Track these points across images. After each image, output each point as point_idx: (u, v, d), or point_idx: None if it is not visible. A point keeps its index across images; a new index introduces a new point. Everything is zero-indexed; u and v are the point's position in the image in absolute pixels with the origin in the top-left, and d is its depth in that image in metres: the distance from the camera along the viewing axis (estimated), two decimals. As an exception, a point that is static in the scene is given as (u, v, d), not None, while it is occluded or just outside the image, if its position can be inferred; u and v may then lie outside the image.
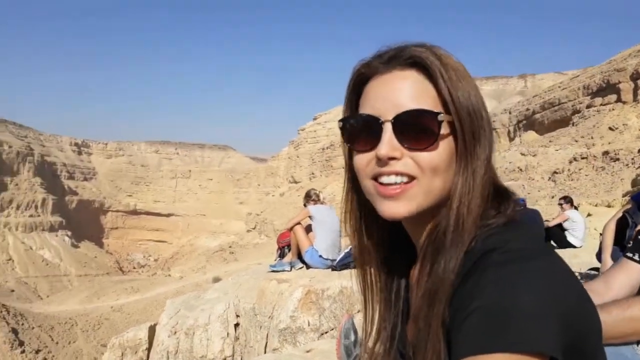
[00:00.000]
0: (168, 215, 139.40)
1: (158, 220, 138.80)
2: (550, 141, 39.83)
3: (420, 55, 0.87)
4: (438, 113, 0.85)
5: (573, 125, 40.58)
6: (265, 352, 5.79)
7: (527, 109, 48.46)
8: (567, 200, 9.84)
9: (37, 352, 54.86)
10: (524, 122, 48.38)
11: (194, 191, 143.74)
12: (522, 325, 0.67)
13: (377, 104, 0.88)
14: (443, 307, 0.78)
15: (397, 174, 0.85)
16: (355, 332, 2.41)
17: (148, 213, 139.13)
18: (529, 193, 29.69)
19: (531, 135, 45.58)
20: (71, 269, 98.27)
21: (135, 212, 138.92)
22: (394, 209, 0.86)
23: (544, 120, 44.82)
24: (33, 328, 58.27)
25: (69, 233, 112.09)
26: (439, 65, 0.86)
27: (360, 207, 1.00)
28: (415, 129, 0.85)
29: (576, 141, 37.22)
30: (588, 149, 34.58)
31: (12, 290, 78.74)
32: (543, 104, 45.70)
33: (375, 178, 0.88)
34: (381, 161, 0.86)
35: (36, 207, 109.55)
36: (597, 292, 2.11)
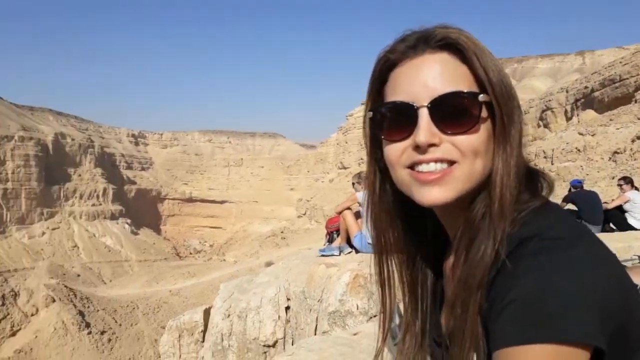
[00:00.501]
0: (222, 202, 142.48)
1: (212, 207, 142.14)
2: (610, 120, 37.93)
3: (452, 36, 0.84)
4: (478, 94, 0.82)
5: (636, 102, 38.45)
6: (315, 335, 5.89)
7: (586, 87, 46.25)
8: (627, 180, 9.41)
9: (102, 333, 57.78)
10: (582, 100, 46.22)
11: (246, 178, 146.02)
12: (561, 316, 0.66)
13: (410, 89, 0.84)
14: (480, 294, 0.77)
15: (437, 161, 0.82)
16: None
17: (203, 200, 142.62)
18: (587, 174, 28.56)
19: (590, 114, 43.53)
20: (131, 255, 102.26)
21: (190, 200, 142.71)
22: (435, 194, 0.83)
23: (604, 98, 42.66)
24: (98, 311, 61.33)
25: (129, 221, 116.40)
26: (473, 47, 0.83)
27: (389, 199, 0.96)
28: (454, 112, 0.81)
29: (639, 119, 35.38)
30: (652, 126, 32.84)
31: (78, 275, 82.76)
32: (603, 81, 43.48)
33: (412, 167, 0.84)
34: (420, 149, 0.82)
35: (98, 196, 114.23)
36: None
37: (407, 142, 0.84)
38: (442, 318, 0.93)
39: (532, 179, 0.88)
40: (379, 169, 0.95)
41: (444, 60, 0.84)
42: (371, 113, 0.90)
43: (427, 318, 1.02)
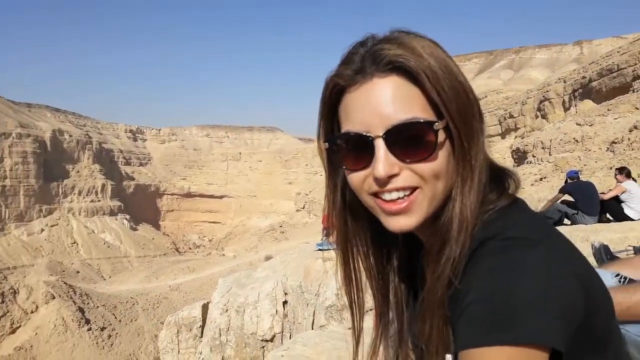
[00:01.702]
0: (221, 197, 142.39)
1: (211, 202, 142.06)
2: (608, 110, 37.85)
3: (399, 59, 0.79)
4: (433, 122, 0.79)
5: (633, 92, 38.34)
6: (312, 329, 5.90)
7: (583, 77, 46.14)
8: (623, 171, 9.41)
9: (102, 329, 58.02)
10: (580, 90, 46.14)
11: (245, 173, 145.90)
12: (517, 317, 0.66)
13: (364, 118, 0.80)
14: (443, 305, 0.78)
15: (399, 189, 0.80)
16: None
17: (202, 195, 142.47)
18: (585, 165, 28.60)
19: (588, 104, 43.44)
20: (131, 251, 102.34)
21: (189, 195, 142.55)
22: (401, 222, 0.82)
23: (602, 87, 42.56)
24: (98, 307, 61.55)
25: (128, 216, 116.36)
26: (422, 66, 0.79)
27: (357, 213, 0.94)
28: (411, 141, 0.79)
29: (637, 108, 35.20)
30: (650, 116, 32.79)
31: (78, 272, 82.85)
32: (600, 71, 43.36)
33: (375, 194, 0.83)
34: (380, 180, 0.80)
35: (96, 192, 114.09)
36: (637, 266, 2.05)
37: (367, 171, 0.82)
38: (418, 321, 0.91)
39: (499, 178, 0.86)
40: (339, 186, 0.93)
41: (394, 83, 0.80)
42: (327, 144, 0.88)
43: (404, 320, 1.00)
